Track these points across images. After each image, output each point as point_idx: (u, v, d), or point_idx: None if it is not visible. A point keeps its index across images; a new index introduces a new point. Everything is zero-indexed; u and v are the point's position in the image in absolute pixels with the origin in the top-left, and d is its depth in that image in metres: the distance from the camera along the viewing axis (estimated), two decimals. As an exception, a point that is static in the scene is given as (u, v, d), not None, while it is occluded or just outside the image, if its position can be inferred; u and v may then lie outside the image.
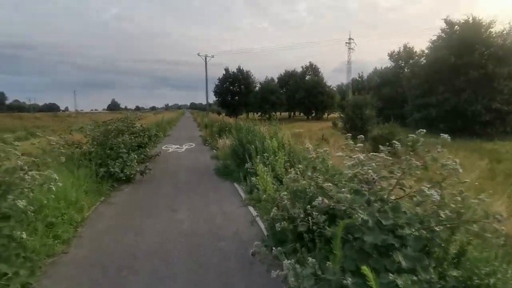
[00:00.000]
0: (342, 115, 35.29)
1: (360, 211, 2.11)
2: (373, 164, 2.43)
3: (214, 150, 12.44)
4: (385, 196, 2.40)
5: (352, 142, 3.34)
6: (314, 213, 2.56)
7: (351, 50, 70.88)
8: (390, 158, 2.64)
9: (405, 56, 52.48)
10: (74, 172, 6.17)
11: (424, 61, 42.91)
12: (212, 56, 46.54)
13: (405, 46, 52.66)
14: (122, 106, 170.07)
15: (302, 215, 2.69)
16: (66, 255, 3.82)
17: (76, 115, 67.20)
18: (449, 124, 33.48)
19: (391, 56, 54.64)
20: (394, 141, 2.68)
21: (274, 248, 2.72)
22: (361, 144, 2.86)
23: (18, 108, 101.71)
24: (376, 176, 2.25)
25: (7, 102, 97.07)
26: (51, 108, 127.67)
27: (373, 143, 23.27)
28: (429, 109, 37.20)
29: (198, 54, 45.36)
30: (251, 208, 5.35)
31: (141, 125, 10.96)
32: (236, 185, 7.02)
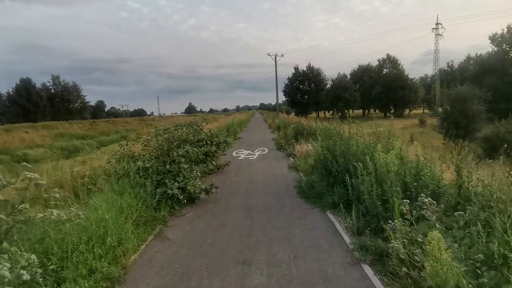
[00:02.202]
0: (440, 110, 29.93)
1: None
2: None
3: (291, 158, 10.55)
4: None
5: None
6: None
7: (439, 36, 61.33)
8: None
9: (509, 38, 42.83)
10: (125, 196, 4.91)
11: None
12: (282, 55, 44.81)
13: (509, 27, 43.01)
14: (198, 109, 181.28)
15: None
16: None
17: (159, 119, 73.32)
18: None
19: (493, 39, 45.38)
20: None
21: None
22: None
23: (113, 114, 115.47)
24: None
25: (106, 109, 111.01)
26: (140, 113, 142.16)
27: (486, 145, 18.62)
28: (548, 101, 29.43)
29: (268, 54, 44.12)
30: (368, 271, 3.25)
31: (209, 131, 9.69)
32: (330, 215, 4.98)
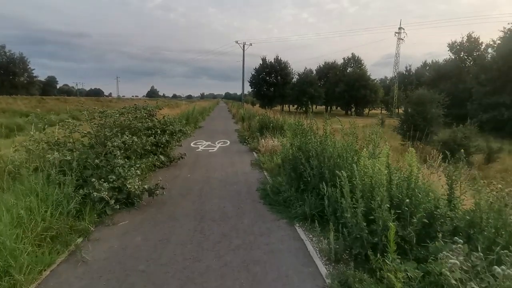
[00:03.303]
0: (397, 112, 30.86)
1: None
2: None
3: (255, 153, 9.60)
4: None
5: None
6: None
7: (401, 40, 63.98)
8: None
9: (468, 47, 45.72)
10: (29, 199, 3.59)
11: (494, 53, 36.97)
12: (250, 44, 43.62)
13: (469, 36, 45.88)
14: (161, 93, 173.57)
15: None
16: None
17: (117, 101, 68.39)
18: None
19: (451, 47, 48.11)
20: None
21: None
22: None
23: (66, 92, 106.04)
24: None
25: (58, 86, 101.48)
26: (96, 93, 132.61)
27: (443, 148, 19.26)
28: (499, 109, 31.80)
29: (236, 42, 42.78)
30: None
31: (163, 117, 8.36)
32: (300, 231, 4.08)
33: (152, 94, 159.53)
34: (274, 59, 64.52)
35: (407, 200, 3.28)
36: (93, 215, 4.18)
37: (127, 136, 5.15)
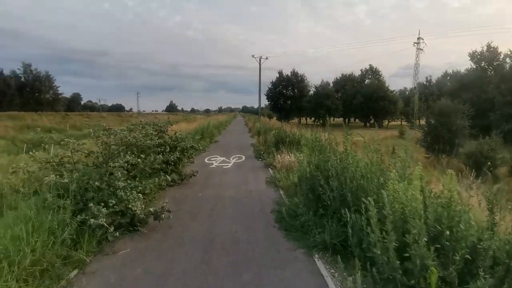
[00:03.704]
0: (418, 123, 29.67)
1: None
2: None
3: (270, 170, 9.15)
4: None
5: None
6: None
7: (420, 50, 62.66)
8: None
9: (488, 56, 43.96)
10: (22, 229, 3.29)
11: (511, 63, 35.54)
12: (267, 58, 43.68)
13: (488, 46, 44.16)
14: (179, 108, 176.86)
15: None
16: None
17: (137, 115, 70.07)
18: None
19: (472, 56, 46.41)
20: None
21: None
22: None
23: (90, 108, 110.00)
24: None
25: (82, 102, 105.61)
26: (118, 108, 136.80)
27: (470, 161, 18.13)
28: (518, 119, 30.10)
29: (253, 56, 42.88)
30: None
31: (174, 133, 8.09)
32: (319, 264, 3.57)
33: (171, 108, 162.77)
34: (291, 72, 64.63)
35: (447, 232, 2.74)
36: (92, 243, 3.85)
37: (130, 156, 4.85)
